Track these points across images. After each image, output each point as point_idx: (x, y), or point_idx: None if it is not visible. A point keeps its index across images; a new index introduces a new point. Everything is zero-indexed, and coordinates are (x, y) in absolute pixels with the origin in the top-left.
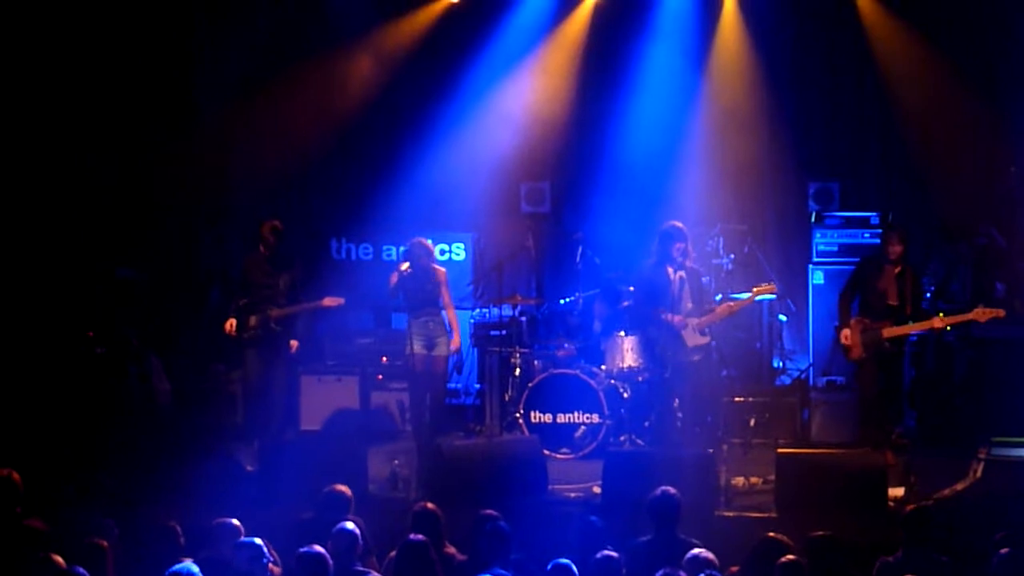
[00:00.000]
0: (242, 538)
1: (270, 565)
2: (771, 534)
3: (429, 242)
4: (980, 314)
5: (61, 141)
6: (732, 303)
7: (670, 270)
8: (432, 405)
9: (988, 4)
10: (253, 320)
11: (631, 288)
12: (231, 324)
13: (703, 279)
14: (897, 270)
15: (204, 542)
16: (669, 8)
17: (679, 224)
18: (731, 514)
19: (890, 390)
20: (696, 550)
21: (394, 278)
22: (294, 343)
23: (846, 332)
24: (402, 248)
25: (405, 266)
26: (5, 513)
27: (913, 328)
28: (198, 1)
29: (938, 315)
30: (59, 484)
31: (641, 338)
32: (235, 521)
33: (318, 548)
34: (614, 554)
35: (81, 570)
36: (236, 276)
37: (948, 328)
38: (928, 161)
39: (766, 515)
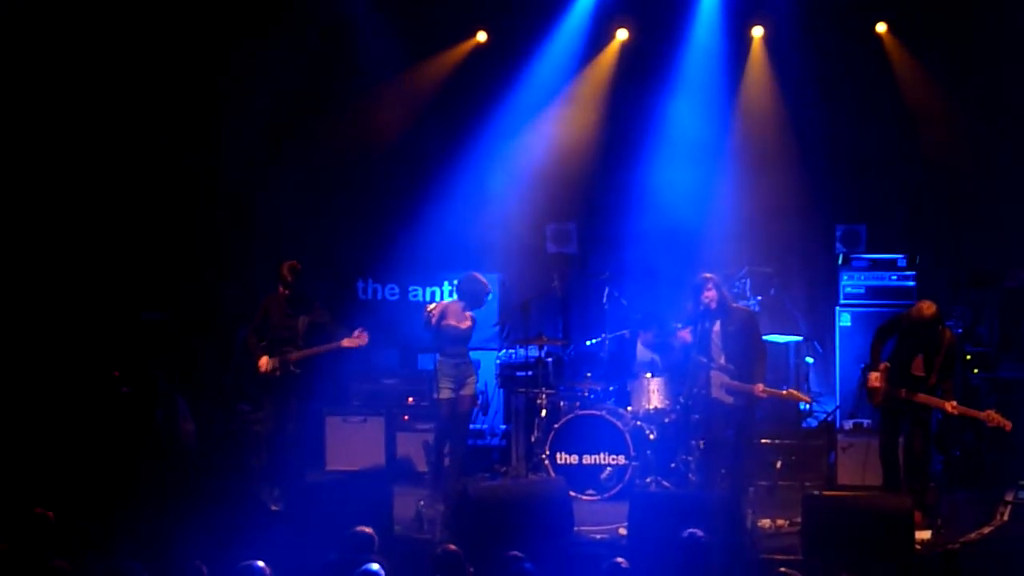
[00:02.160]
0: None
1: None
2: (783, 570)
3: (486, 283)
4: (990, 417)
5: (88, 184)
6: (765, 389)
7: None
8: (457, 444)
9: (1016, 46)
10: (273, 362)
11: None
12: (265, 361)
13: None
14: (929, 340)
15: None
16: (696, 50)
17: (706, 274)
18: (758, 557)
19: (918, 445)
20: None
21: (435, 309)
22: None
23: (874, 375)
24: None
25: (439, 307)
26: (35, 553)
27: (928, 401)
28: (224, 47)
29: (950, 403)
30: (84, 525)
31: (671, 381)
32: (261, 563)
33: None
34: None
35: None
36: (256, 317)
37: (957, 414)
38: (956, 203)
39: (793, 558)
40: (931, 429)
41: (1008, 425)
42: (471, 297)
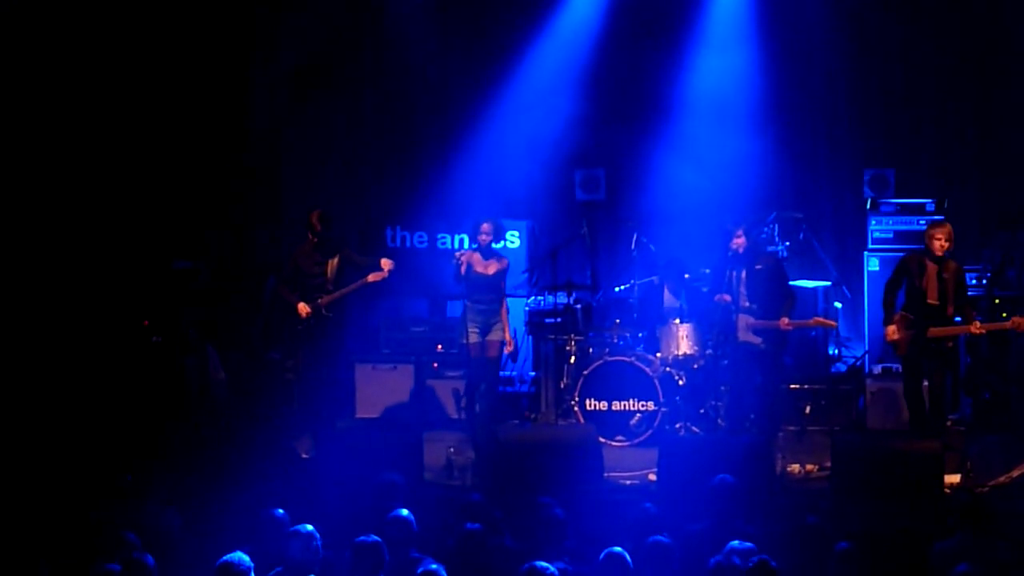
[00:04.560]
0: (293, 527)
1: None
2: (809, 521)
3: (485, 224)
4: (1017, 323)
5: (118, 135)
6: (789, 322)
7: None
8: (487, 391)
9: None
10: (308, 308)
11: (707, 270)
12: (304, 307)
13: (777, 269)
14: (938, 267)
15: (254, 531)
16: None
17: (737, 219)
18: (787, 501)
19: (939, 384)
20: (735, 542)
21: (463, 257)
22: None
23: (891, 328)
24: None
25: (466, 255)
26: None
27: (953, 331)
28: None
29: (975, 322)
30: (118, 474)
31: (700, 326)
32: (281, 510)
33: (374, 537)
34: (666, 541)
35: (149, 558)
36: (287, 266)
37: (983, 334)
38: (984, 147)
39: (822, 502)
40: (957, 368)
41: None
42: (471, 232)
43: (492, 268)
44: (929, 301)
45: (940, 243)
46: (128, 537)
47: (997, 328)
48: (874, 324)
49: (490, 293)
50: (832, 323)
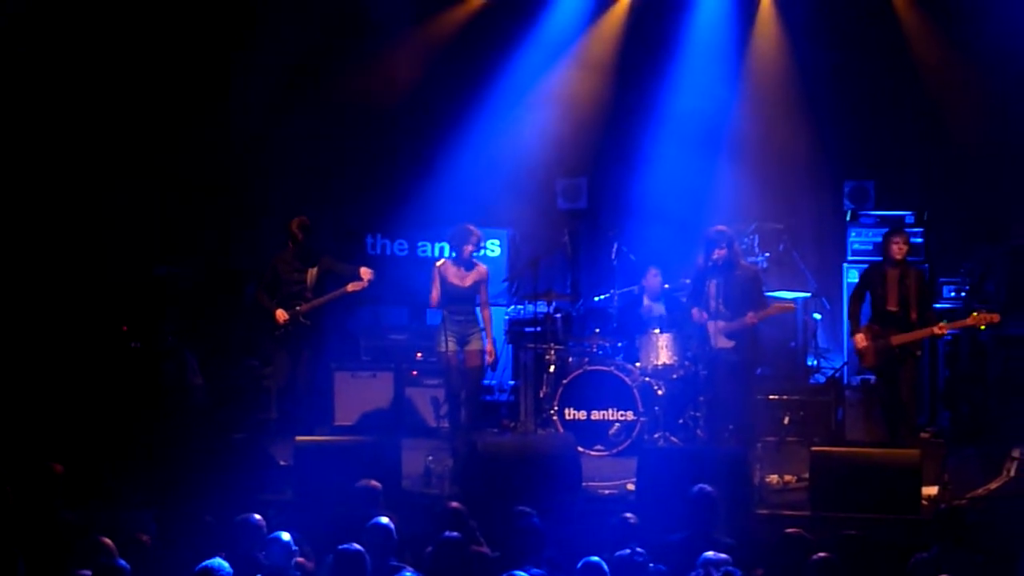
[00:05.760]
0: (271, 534)
1: (299, 559)
2: (791, 529)
3: (474, 229)
4: (977, 319)
5: (99, 140)
6: (753, 314)
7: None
8: (467, 401)
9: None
10: (286, 315)
11: (687, 280)
12: (282, 313)
13: (754, 281)
14: (898, 274)
15: (230, 538)
16: (707, 3)
17: (721, 228)
18: (765, 512)
19: (909, 393)
20: (709, 553)
21: (435, 292)
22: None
23: (858, 337)
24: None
25: (443, 263)
26: (44, 505)
27: (915, 335)
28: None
29: (938, 323)
30: (94, 480)
31: (680, 336)
32: (258, 516)
33: (356, 546)
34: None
35: (123, 563)
36: (266, 273)
37: (946, 334)
38: (965, 160)
39: (800, 513)
40: (936, 380)
41: (996, 317)
42: (452, 242)
43: (468, 280)
44: (889, 308)
45: (899, 246)
46: (103, 542)
47: (960, 326)
48: None
49: (467, 304)
50: (790, 306)
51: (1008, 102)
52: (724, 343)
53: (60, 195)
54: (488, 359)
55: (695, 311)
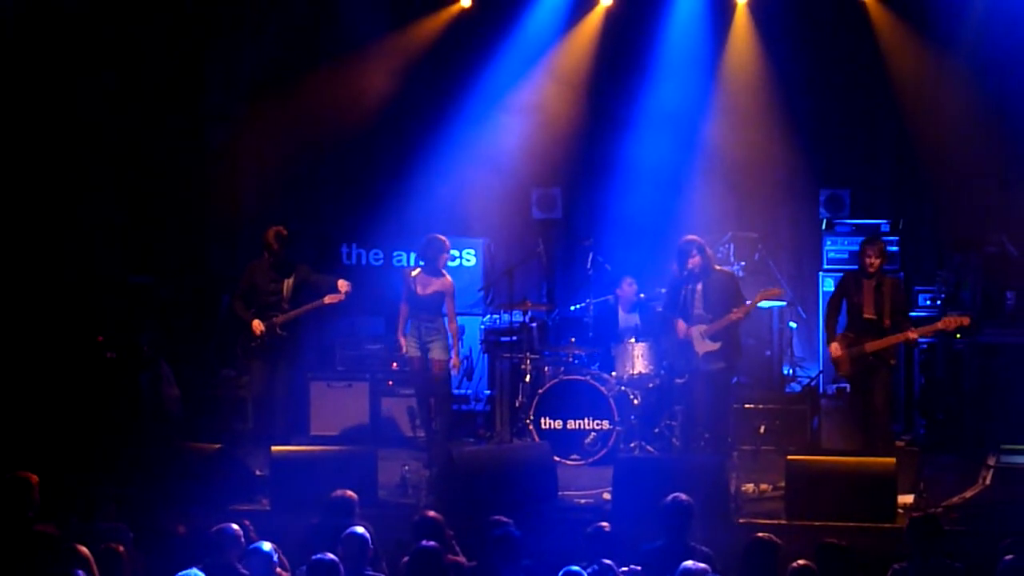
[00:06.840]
0: (252, 545)
1: (279, 570)
2: (760, 535)
3: (446, 240)
4: (948, 323)
5: (75, 150)
6: (737, 310)
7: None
8: (438, 410)
9: (1000, 13)
10: (262, 326)
11: (663, 290)
12: (258, 323)
13: (731, 282)
14: (874, 283)
15: (207, 548)
16: (681, 14)
17: (692, 237)
18: (741, 521)
19: (883, 402)
20: (688, 563)
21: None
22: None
23: (834, 345)
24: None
25: (415, 272)
26: (18, 517)
27: (889, 341)
28: (209, 8)
29: (910, 329)
30: (69, 490)
31: (655, 345)
32: (235, 526)
33: (330, 556)
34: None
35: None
36: (242, 282)
37: (918, 340)
38: (939, 169)
39: (776, 522)
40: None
41: (966, 320)
42: (426, 257)
43: (430, 289)
44: (865, 315)
45: (870, 260)
46: (79, 551)
47: (932, 331)
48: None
49: (427, 312)
50: (778, 290)
51: (982, 111)
52: (709, 346)
53: (35, 204)
54: (454, 370)
55: (680, 324)
